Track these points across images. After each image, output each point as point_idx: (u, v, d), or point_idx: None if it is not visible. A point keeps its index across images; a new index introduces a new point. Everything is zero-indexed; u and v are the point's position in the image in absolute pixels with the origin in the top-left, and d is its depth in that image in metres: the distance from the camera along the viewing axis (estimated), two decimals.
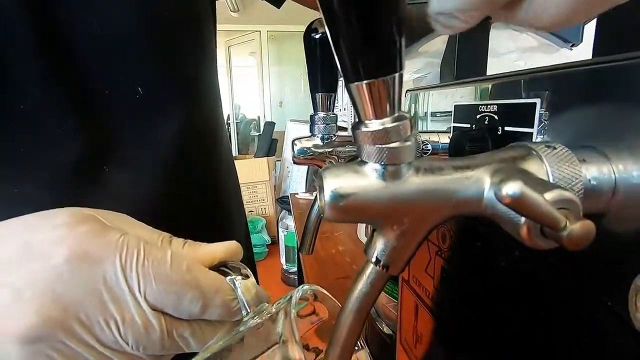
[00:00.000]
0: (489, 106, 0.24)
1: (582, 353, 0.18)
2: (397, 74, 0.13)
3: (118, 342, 0.18)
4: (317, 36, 0.28)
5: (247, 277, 0.21)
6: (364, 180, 0.15)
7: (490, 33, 0.37)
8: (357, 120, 0.15)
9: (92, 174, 0.29)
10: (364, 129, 0.14)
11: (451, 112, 0.28)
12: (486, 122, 0.24)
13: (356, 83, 0.13)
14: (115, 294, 0.17)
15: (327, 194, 0.14)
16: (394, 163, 0.14)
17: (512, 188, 0.11)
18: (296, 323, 0.19)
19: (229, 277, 0.21)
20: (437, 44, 0.57)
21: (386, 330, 0.56)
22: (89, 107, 0.29)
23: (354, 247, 0.99)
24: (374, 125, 0.14)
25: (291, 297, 0.21)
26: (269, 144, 2.78)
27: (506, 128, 0.22)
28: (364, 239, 0.90)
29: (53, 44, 0.27)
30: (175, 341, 0.19)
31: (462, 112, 0.27)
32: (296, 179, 2.59)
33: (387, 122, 0.14)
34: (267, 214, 2.66)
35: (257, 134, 3.29)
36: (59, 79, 0.27)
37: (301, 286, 0.22)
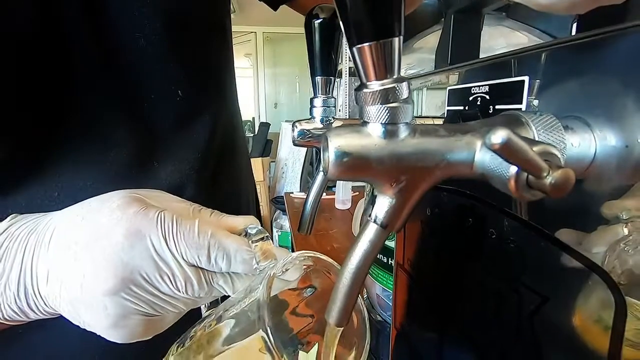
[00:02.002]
0: (480, 87, 0.25)
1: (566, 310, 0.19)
2: (396, 38, 0.14)
3: (172, 290, 0.23)
4: (318, 21, 0.29)
5: (264, 239, 0.25)
6: (366, 139, 0.16)
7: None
8: (359, 83, 0.16)
9: (144, 169, 0.34)
10: (365, 90, 0.15)
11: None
12: (478, 103, 0.25)
13: (359, 45, 0.14)
14: (162, 257, 0.22)
15: (332, 152, 0.15)
16: (393, 122, 0.15)
17: (500, 134, 0.12)
18: (270, 281, 0.22)
19: (248, 239, 0.24)
20: (431, 41, 0.59)
21: (380, 319, 0.57)
22: (140, 111, 0.34)
23: (349, 245, 1.00)
24: (375, 86, 0.15)
25: (283, 260, 0.24)
26: (264, 145, 2.79)
27: (497, 106, 0.24)
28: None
29: (108, 59, 0.31)
30: (213, 287, 0.24)
31: (455, 95, 0.28)
32: (291, 180, 2.60)
33: (387, 83, 0.15)
34: (261, 214, 2.66)
35: (252, 135, 3.30)
36: (114, 91, 0.32)
37: (299, 252, 0.24)
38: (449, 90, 0.29)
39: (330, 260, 0.25)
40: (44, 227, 0.23)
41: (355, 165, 0.16)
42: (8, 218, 0.24)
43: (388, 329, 0.52)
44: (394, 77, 0.15)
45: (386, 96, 0.15)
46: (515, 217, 0.22)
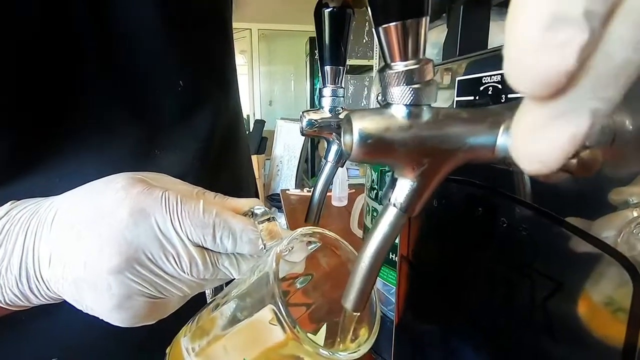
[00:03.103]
0: (492, 77, 0.25)
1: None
2: (423, 18, 0.14)
3: (176, 271, 0.23)
4: (328, 10, 0.29)
5: (270, 220, 0.24)
6: (389, 120, 0.16)
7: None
8: (383, 64, 0.16)
9: (146, 157, 0.34)
10: (389, 70, 0.15)
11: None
12: (490, 93, 0.25)
13: (386, 25, 0.14)
14: (167, 237, 0.22)
15: (356, 134, 0.15)
16: (416, 104, 0.15)
17: None
18: (278, 256, 0.21)
19: (254, 219, 0.24)
20: (432, 36, 0.59)
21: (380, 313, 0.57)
22: (142, 102, 0.34)
23: (347, 240, 1.00)
24: (399, 66, 0.15)
25: (289, 237, 0.23)
26: (259, 142, 2.78)
27: (510, 95, 0.24)
28: (357, 231, 0.92)
29: (110, 49, 0.32)
30: (218, 269, 0.24)
31: (465, 85, 0.28)
32: (286, 178, 2.60)
33: (411, 64, 0.15)
34: None
35: (247, 132, 3.28)
36: (116, 82, 0.32)
37: (304, 228, 0.24)
38: (458, 80, 0.29)
39: (336, 236, 0.25)
40: (46, 209, 0.23)
41: (379, 147, 0.16)
42: (9, 202, 0.24)
43: (388, 324, 0.52)
44: (419, 57, 0.15)
45: (411, 77, 0.15)
46: (529, 204, 0.22)
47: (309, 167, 2.76)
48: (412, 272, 0.39)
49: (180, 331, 0.25)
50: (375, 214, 0.60)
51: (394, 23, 0.14)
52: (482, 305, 0.29)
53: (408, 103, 0.15)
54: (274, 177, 2.65)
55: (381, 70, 0.15)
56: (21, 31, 0.27)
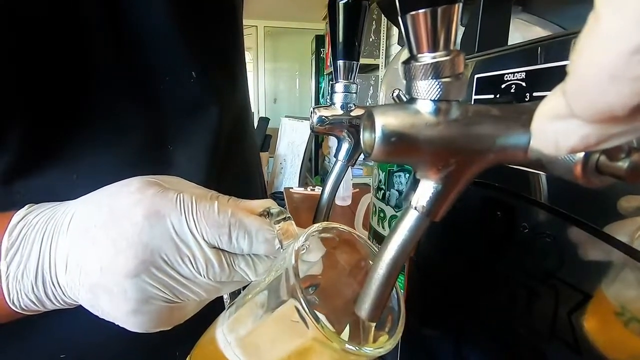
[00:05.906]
0: (515, 74, 0.24)
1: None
2: (456, 5, 0.13)
3: (192, 273, 0.22)
4: (342, 2, 0.27)
5: (286, 219, 0.23)
6: (415, 117, 0.14)
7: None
8: (408, 56, 0.14)
9: (159, 151, 0.34)
10: (415, 63, 0.14)
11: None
12: (512, 91, 0.24)
13: (414, 12, 0.13)
14: (182, 238, 0.22)
15: (378, 131, 0.14)
16: (445, 99, 0.14)
17: None
18: (297, 253, 0.20)
19: (269, 219, 0.24)
20: None
21: None
22: (156, 94, 0.34)
23: None
24: (427, 58, 0.14)
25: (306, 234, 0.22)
26: (263, 140, 2.76)
27: (534, 94, 0.22)
28: (361, 232, 0.90)
29: (121, 44, 0.31)
30: (234, 271, 0.23)
31: (484, 83, 0.27)
32: (289, 176, 2.58)
33: (440, 56, 0.14)
34: None
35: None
36: (130, 73, 0.32)
37: (321, 224, 0.23)
38: (477, 78, 0.28)
39: (354, 231, 0.24)
40: (62, 213, 0.23)
41: (403, 146, 0.14)
42: (25, 207, 0.23)
43: None
44: (449, 49, 0.14)
45: (440, 70, 0.14)
46: (553, 209, 0.21)
47: (312, 165, 2.75)
48: (420, 276, 0.38)
49: (203, 335, 0.24)
50: (382, 214, 0.58)
51: (423, 10, 0.13)
52: (493, 312, 0.28)
53: (435, 98, 0.14)
54: (277, 175, 2.64)
55: (405, 62, 0.14)
56: (30, 27, 0.26)
